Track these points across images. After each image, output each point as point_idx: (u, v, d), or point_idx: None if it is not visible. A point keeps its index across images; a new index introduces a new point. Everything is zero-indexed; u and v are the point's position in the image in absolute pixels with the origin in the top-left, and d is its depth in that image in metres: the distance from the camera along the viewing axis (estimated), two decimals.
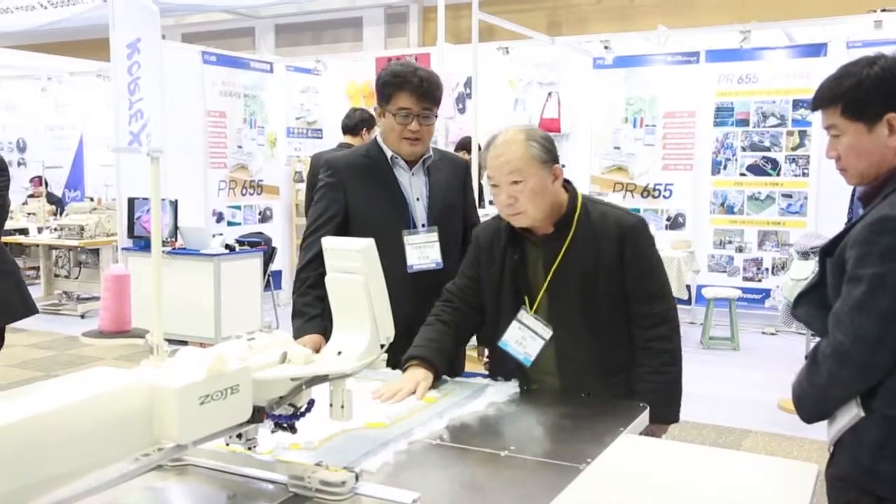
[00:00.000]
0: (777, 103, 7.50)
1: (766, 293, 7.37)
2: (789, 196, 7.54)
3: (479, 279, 2.40)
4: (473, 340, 2.73)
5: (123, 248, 7.17)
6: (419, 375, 2.19)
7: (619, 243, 2.22)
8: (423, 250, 2.69)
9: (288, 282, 8.97)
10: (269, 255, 7.51)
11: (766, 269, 7.67)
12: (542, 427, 2.12)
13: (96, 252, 8.70)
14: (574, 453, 1.75)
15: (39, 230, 9.12)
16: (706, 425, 4.81)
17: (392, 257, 2.51)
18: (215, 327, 6.61)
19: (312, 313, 2.55)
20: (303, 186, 7.96)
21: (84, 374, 1.28)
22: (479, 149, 6.87)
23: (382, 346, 1.67)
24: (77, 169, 11.57)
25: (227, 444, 1.51)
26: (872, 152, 1.79)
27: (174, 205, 6.85)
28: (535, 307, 2.28)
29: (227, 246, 6.88)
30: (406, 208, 2.71)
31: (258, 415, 1.44)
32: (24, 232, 8.99)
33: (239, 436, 1.47)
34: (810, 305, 1.89)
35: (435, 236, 2.70)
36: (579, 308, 2.24)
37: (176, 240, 6.89)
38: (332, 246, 1.72)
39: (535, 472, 1.68)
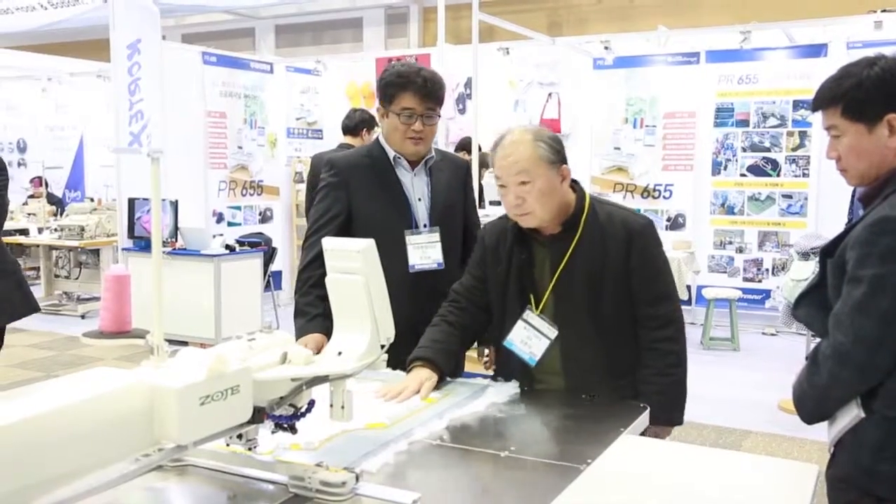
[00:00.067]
0: (777, 104, 7.50)
1: (767, 294, 7.37)
2: (789, 197, 7.54)
3: (485, 279, 2.40)
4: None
5: (124, 249, 7.17)
6: (423, 375, 2.19)
7: (627, 245, 2.22)
8: (424, 250, 2.69)
9: (288, 282, 8.97)
10: (270, 256, 7.51)
11: (767, 270, 7.67)
12: (543, 428, 2.12)
13: (96, 252, 8.71)
14: (574, 454, 1.75)
15: (40, 231, 9.13)
16: (706, 426, 4.81)
17: (394, 257, 2.51)
18: (215, 328, 6.61)
19: (314, 313, 2.55)
20: (303, 187, 7.96)
21: (84, 375, 1.28)
22: (480, 149, 6.89)
23: (383, 346, 1.67)
24: (77, 169, 11.57)
25: (228, 445, 1.51)
26: (873, 153, 1.79)
27: (174, 205, 6.85)
28: (540, 307, 2.28)
29: (227, 246, 6.88)
30: (408, 208, 2.71)
31: (258, 415, 1.44)
32: (24, 232, 9.00)
33: (239, 436, 1.47)
34: (811, 306, 1.89)
35: (437, 236, 2.71)
36: (585, 308, 2.23)
37: (176, 240, 6.89)
38: (333, 246, 1.72)
39: (535, 473, 1.68)
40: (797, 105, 7.39)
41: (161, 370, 1.31)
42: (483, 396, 2.15)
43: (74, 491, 1.17)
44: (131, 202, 7.05)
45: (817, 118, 1.94)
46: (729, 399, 5.37)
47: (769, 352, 6.94)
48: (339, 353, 1.64)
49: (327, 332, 2.48)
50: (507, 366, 2.36)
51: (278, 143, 9.20)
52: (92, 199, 10.12)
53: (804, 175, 7.45)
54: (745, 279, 7.73)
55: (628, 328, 2.26)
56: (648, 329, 2.25)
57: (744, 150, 7.67)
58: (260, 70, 8.94)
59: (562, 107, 8.55)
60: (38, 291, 6.19)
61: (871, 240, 1.69)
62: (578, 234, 2.23)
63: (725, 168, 7.76)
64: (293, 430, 1.58)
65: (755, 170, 7.63)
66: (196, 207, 7.94)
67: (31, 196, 10.36)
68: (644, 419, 2.08)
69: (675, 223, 7.89)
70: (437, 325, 2.38)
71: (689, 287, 7.17)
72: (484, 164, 7.51)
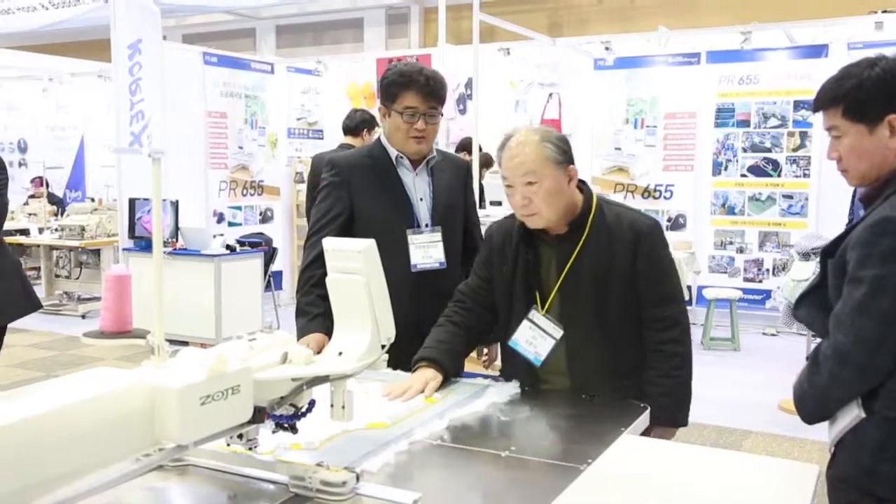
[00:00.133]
0: (778, 104, 7.50)
1: (767, 294, 7.37)
2: (790, 197, 7.54)
3: (491, 279, 2.40)
4: None
5: (124, 249, 7.17)
6: (428, 375, 2.19)
7: (634, 246, 2.22)
8: (426, 250, 2.69)
9: (288, 282, 8.98)
10: (270, 256, 7.51)
11: (767, 270, 7.67)
12: (543, 427, 2.12)
13: (97, 252, 8.71)
14: (575, 454, 1.75)
15: (40, 231, 9.13)
16: (707, 426, 4.81)
17: (395, 257, 2.52)
18: (216, 328, 6.61)
19: (315, 312, 2.56)
20: (303, 187, 7.96)
21: (85, 375, 1.28)
22: (480, 149, 6.89)
23: (383, 346, 1.67)
24: (78, 169, 11.57)
25: (228, 445, 1.51)
26: (873, 153, 1.79)
27: (175, 205, 6.85)
28: (546, 307, 2.28)
29: (227, 246, 6.88)
30: (410, 208, 2.72)
31: (259, 415, 1.44)
32: (24, 232, 9.00)
33: (240, 436, 1.47)
34: (811, 306, 1.89)
35: (438, 236, 2.71)
36: (591, 309, 2.23)
37: (177, 240, 6.89)
38: (333, 247, 1.72)
39: (535, 473, 1.68)
40: (798, 105, 7.39)
41: (162, 370, 1.32)
42: (483, 396, 2.15)
43: (75, 491, 1.17)
44: (132, 202, 7.06)
45: (818, 119, 1.94)
46: (729, 399, 5.37)
47: (769, 352, 6.94)
48: (340, 353, 1.64)
49: (328, 331, 2.48)
50: (512, 365, 2.36)
51: (279, 144, 9.20)
52: (93, 200, 10.12)
53: (805, 175, 7.45)
54: (746, 279, 7.73)
55: (634, 329, 2.26)
56: (654, 330, 2.24)
57: (744, 150, 7.67)
58: (261, 70, 8.94)
59: (562, 107, 8.56)
60: (38, 291, 6.20)
61: (872, 240, 1.69)
62: (585, 235, 2.23)
63: (726, 168, 7.76)
64: (294, 429, 1.58)
65: (756, 170, 7.63)
66: (197, 207, 7.95)
67: (32, 196, 10.36)
68: (644, 419, 2.08)
69: (676, 223, 7.89)
70: (442, 326, 2.38)
71: (689, 287, 7.17)
72: (484, 165, 7.52)
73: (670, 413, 2.21)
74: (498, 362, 2.92)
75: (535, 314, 2.28)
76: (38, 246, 8.99)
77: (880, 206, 1.74)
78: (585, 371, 2.25)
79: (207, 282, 6.61)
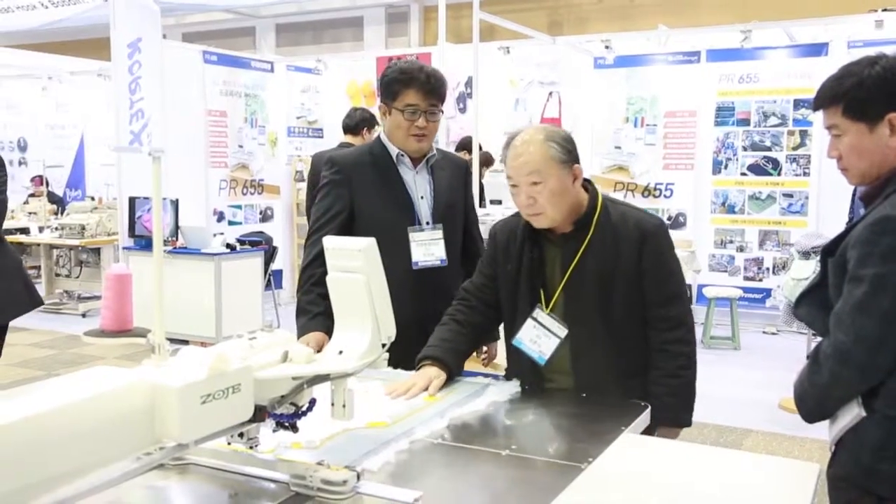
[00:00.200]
0: (778, 103, 7.49)
1: (767, 293, 7.37)
2: (790, 196, 7.54)
3: (495, 277, 2.40)
4: None
5: (124, 248, 7.17)
6: (432, 373, 2.20)
7: (639, 245, 2.21)
8: (428, 247, 2.70)
9: (288, 281, 8.98)
10: (270, 255, 7.51)
11: (767, 269, 7.66)
12: (544, 426, 2.12)
13: (97, 251, 8.71)
14: (575, 452, 1.75)
15: (40, 229, 9.13)
16: (707, 425, 4.81)
17: (396, 255, 2.52)
18: (216, 327, 6.61)
19: (316, 311, 2.56)
20: (303, 186, 7.96)
21: (85, 373, 1.28)
22: (480, 148, 6.89)
23: (384, 345, 1.67)
24: (78, 168, 11.57)
25: (229, 443, 1.51)
26: (874, 152, 1.79)
27: (175, 204, 6.85)
28: (551, 306, 2.28)
29: (227, 245, 6.88)
30: (411, 206, 2.72)
31: (260, 414, 1.44)
32: (25, 231, 9.00)
33: (240, 435, 1.47)
34: (812, 305, 1.89)
35: (440, 234, 2.71)
36: (596, 308, 2.23)
37: (177, 239, 6.89)
38: (334, 245, 1.72)
39: (536, 472, 1.68)
40: (798, 104, 7.38)
41: (162, 369, 1.31)
42: (484, 395, 2.15)
43: (76, 490, 1.17)
44: (132, 201, 7.06)
45: (818, 117, 1.94)
46: (730, 398, 5.38)
47: (770, 351, 6.94)
48: (341, 352, 1.64)
49: (329, 330, 2.48)
50: (517, 364, 2.36)
51: (279, 142, 9.20)
52: (93, 198, 10.13)
53: (805, 174, 7.45)
54: (746, 278, 7.73)
55: (639, 328, 2.25)
56: (659, 330, 2.24)
57: (744, 149, 7.67)
58: (260, 69, 8.94)
59: (562, 106, 8.56)
60: (38, 290, 6.20)
61: (872, 239, 1.69)
62: (590, 234, 2.23)
63: (726, 167, 7.76)
64: (294, 428, 1.58)
65: (756, 169, 7.63)
66: (197, 206, 7.94)
67: (32, 195, 10.37)
68: (645, 418, 2.08)
69: (676, 222, 7.89)
70: (446, 324, 2.38)
71: (689, 286, 7.17)
72: (484, 163, 7.52)
73: (675, 413, 2.21)
74: (498, 360, 2.92)
75: (540, 313, 2.28)
76: (39, 245, 8.99)
77: (880, 205, 1.74)
78: (590, 370, 2.24)
79: (207, 281, 6.61)
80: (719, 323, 7.16)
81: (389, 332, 1.68)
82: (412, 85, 2.63)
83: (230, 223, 8.52)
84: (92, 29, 9.38)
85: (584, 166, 2.29)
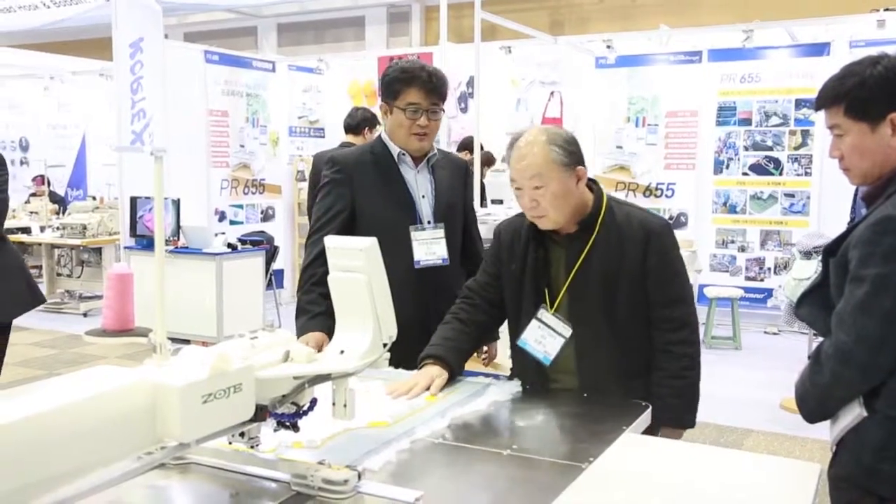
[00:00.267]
0: (780, 103, 7.49)
1: (769, 293, 7.36)
2: (792, 195, 7.53)
3: (499, 275, 2.40)
4: None
5: (126, 247, 7.18)
6: (434, 373, 2.20)
7: (644, 245, 2.21)
8: (429, 246, 2.70)
9: (290, 281, 8.98)
10: (272, 254, 7.51)
11: (769, 269, 7.66)
12: (544, 426, 2.12)
13: (98, 251, 8.71)
14: (576, 452, 1.75)
15: (42, 229, 9.14)
16: (708, 424, 4.81)
17: (398, 254, 2.52)
18: (217, 326, 6.62)
19: (316, 311, 2.55)
20: (305, 185, 7.96)
21: (87, 373, 1.28)
22: (482, 148, 6.89)
23: (385, 345, 1.67)
24: (79, 168, 11.58)
25: (230, 443, 1.51)
26: (875, 152, 1.78)
27: (176, 204, 6.86)
28: (555, 306, 2.27)
29: (229, 245, 6.88)
30: (412, 205, 2.72)
31: (261, 413, 1.44)
32: (26, 231, 9.01)
33: (242, 434, 1.47)
34: (813, 305, 1.88)
35: (441, 233, 2.71)
36: (600, 308, 2.22)
37: (178, 239, 6.89)
38: (335, 245, 1.72)
39: (537, 471, 1.68)
40: (799, 104, 7.38)
41: (164, 368, 1.32)
42: (485, 395, 2.15)
43: (77, 489, 1.17)
44: (133, 200, 7.06)
45: (820, 117, 1.94)
46: (731, 398, 5.37)
47: (771, 351, 6.94)
48: (342, 352, 1.65)
49: (329, 330, 2.48)
50: (521, 365, 2.35)
51: (280, 142, 9.20)
52: (94, 198, 10.13)
53: (806, 174, 7.44)
54: (747, 278, 7.72)
55: (643, 329, 2.25)
56: (663, 331, 2.23)
57: (746, 148, 7.66)
58: (262, 69, 8.94)
59: (564, 106, 8.55)
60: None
61: (874, 239, 1.69)
62: (595, 234, 2.22)
63: (727, 167, 7.75)
64: (295, 428, 1.58)
65: (757, 168, 7.63)
66: (198, 206, 7.95)
67: (34, 194, 10.37)
68: (646, 418, 2.07)
69: (677, 222, 7.88)
70: (448, 323, 2.38)
71: (690, 286, 7.16)
72: (486, 163, 7.52)
73: (678, 414, 2.20)
74: (499, 360, 2.92)
75: (544, 313, 2.27)
76: (40, 244, 9.00)
77: (882, 205, 1.74)
78: (594, 371, 2.24)
79: (209, 280, 6.61)
80: (720, 323, 7.16)
81: (391, 331, 1.68)
82: (414, 84, 2.64)
83: (231, 223, 8.52)
84: (94, 29, 9.39)
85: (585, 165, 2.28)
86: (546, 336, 2.26)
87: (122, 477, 1.24)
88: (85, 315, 8.48)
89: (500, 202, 7.25)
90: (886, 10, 7.06)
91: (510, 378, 2.36)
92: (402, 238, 2.66)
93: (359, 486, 1.50)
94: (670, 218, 7.88)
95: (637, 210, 2.31)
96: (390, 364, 2.38)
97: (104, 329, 1.95)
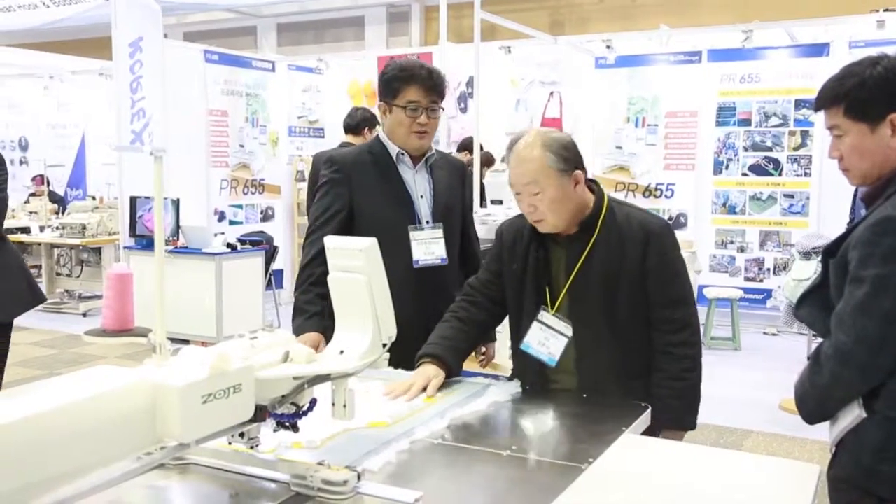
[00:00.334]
0: (779, 103, 7.49)
1: (768, 293, 7.37)
2: (791, 196, 7.54)
3: (501, 273, 2.40)
4: None
5: (125, 247, 7.18)
6: (431, 372, 2.19)
7: (644, 246, 2.20)
8: (428, 246, 2.70)
9: (289, 281, 8.97)
10: (271, 255, 7.51)
11: (768, 270, 7.66)
12: (544, 427, 2.12)
13: (98, 251, 8.71)
14: (576, 453, 1.75)
15: (41, 229, 9.14)
16: (707, 425, 4.81)
17: (397, 253, 2.52)
18: (217, 326, 6.62)
19: (312, 311, 2.55)
20: (304, 185, 7.97)
21: (86, 373, 1.28)
22: (482, 148, 6.89)
23: (384, 345, 1.67)
24: (79, 167, 11.58)
25: (230, 443, 1.51)
26: (875, 152, 1.78)
27: (176, 203, 6.86)
28: (556, 307, 2.27)
29: (228, 245, 6.88)
30: (411, 205, 2.72)
31: (260, 414, 1.44)
32: (25, 230, 9.01)
33: (241, 435, 1.47)
34: (813, 306, 1.88)
35: (440, 233, 2.71)
36: (600, 309, 2.22)
37: (178, 239, 6.89)
38: (335, 245, 1.72)
39: (536, 472, 1.68)
40: (799, 104, 7.38)
41: (163, 368, 1.31)
42: (485, 395, 2.15)
43: (77, 489, 1.17)
44: (133, 200, 7.06)
45: (819, 118, 1.94)
46: (730, 399, 5.37)
47: (770, 352, 6.94)
48: (341, 352, 1.65)
49: (325, 330, 2.49)
50: (522, 366, 2.35)
51: (280, 142, 9.20)
52: (94, 198, 10.14)
53: (806, 175, 7.45)
54: (747, 279, 7.72)
55: (643, 330, 2.24)
56: (663, 332, 2.23)
57: (745, 149, 7.66)
58: (262, 68, 8.94)
59: (563, 106, 8.55)
60: None
61: (874, 240, 1.69)
62: (595, 235, 2.22)
63: (727, 167, 7.75)
64: (295, 428, 1.58)
65: (757, 169, 7.63)
66: (197, 206, 7.95)
67: (33, 194, 10.37)
68: (645, 418, 2.07)
69: (677, 223, 7.88)
70: (447, 322, 2.38)
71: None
72: (485, 163, 7.52)
73: (679, 416, 2.20)
74: (498, 361, 2.92)
75: (545, 314, 2.27)
76: (40, 244, 9.00)
77: (882, 206, 1.74)
78: (594, 371, 2.24)
79: (208, 280, 6.61)
80: (720, 324, 7.16)
81: (390, 332, 1.68)
82: (413, 81, 2.64)
83: (231, 223, 8.52)
84: (93, 28, 9.38)
85: (585, 167, 2.28)
86: (549, 337, 2.26)
87: (122, 477, 1.24)
88: (84, 315, 8.48)
89: (500, 202, 7.25)
90: (886, 10, 7.06)
91: (510, 379, 2.36)
92: (400, 238, 2.65)
93: (358, 486, 1.50)
94: (670, 218, 7.88)
95: (637, 211, 2.31)
96: (389, 364, 2.38)
97: (104, 329, 1.95)
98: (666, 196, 7.96)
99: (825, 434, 1.88)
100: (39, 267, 9.10)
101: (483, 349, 2.84)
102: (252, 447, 1.52)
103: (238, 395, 1.34)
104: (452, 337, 2.33)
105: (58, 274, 9.09)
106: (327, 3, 11.85)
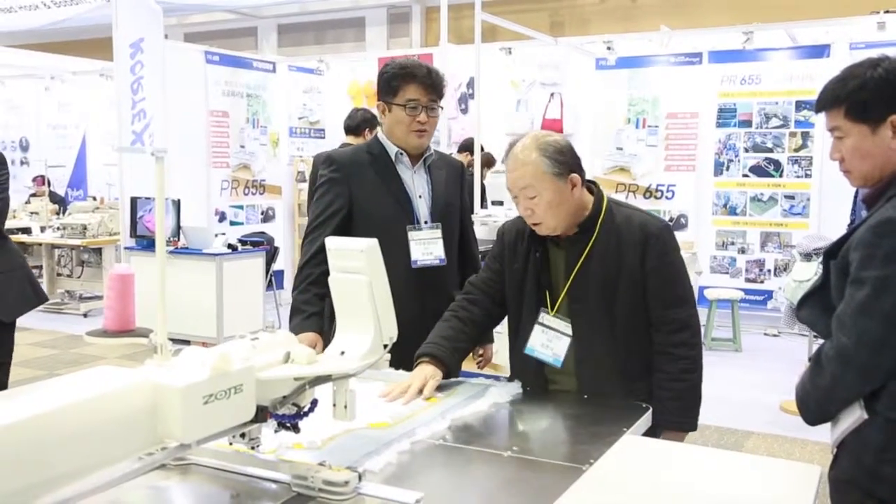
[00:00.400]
0: (780, 104, 7.49)
1: (769, 294, 7.36)
2: (792, 197, 7.54)
3: (502, 272, 2.40)
4: None
5: (126, 248, 7.18)
6: (428, 372, 2.19)
7: (643, 247, 2.20)
8: (426, 246, 2.70)
9: (290, 282, 8.96)
10: (272, 255, 7.51)
11: (769, 271, 7.66)
12: (545, 428, 2.12)
13: (99, 251, 8.71)
14: (577, 454, 1.75)
15: (42, 229, 9.14)
16: (708, 426, 4.81)
17: (395, 253, 2.51)
18: (217, 327, 6.62)
19: (310, 311, 2.55)
20: (305, 186, 7.97)
21: (87, 373, 1.28)
22: (482, 149, 6.88)
23: (385, 346, 1.67)
24: (80, 168, 11.58)
25: (231, 444, 1.51)
26: (876, 154, 1.78)
27: (177, 204, 6.86)
28: (555, 308, 2.27)
29: (229, 245, 6.88)
30: (410, 205, 2.72)
31: (262, 414, 1.44)
32: (26, 231, 9.00)
33: (242, 435, 1.47)
34: (814, 307, 1.88)
35: (438, 233, 2.71)
36: (600, 310, 2.22)
37: (178, 239, 6.89)
38: (336, 246, 1.72)
39: (537, 473, 1.68)
40: (800, 106, 7.38)
41: (164, 369, 1.32)
42: (485, 396, 2.15)
43: (78, 490, 1.17)
44: (134, 201, 7.06)
45: (820, 119, 1.94)
46: (731, 400, 5.37)
47: (771, 353, 6.94)
48: (342, 353, 1.65)
49: (322, 330, 2.49)
50: (521, 366, 2.35)
51: (280, 143, 9.21)
52: (94, 198, 10.13)
53: (807, 176, 7.45)
54: (748, 280, 7.72)
55: (643, 331, 2.24)
56: (663, 333, 2.22)
57: (746, 150, 7.66)
58: (262, 69, 8.95)
59: (564, 107, 8.55)
60: None
61: (875, 241, 1.69)
62: (594, 237, 2.22)
63: (728, 168, 7.75)
64: (296, 429, 1.58)
65: (757, 170, 7.63)
66: (198, 206, 7.95)
67: (34, 195, 10.37)
68: (646, 419, 2.07)
69: (677, 224, 7.88)
70: (447, 321, 2.38)
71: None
72: (486, 164, 7.52)
73: (679, 417, 2.20)
74: (497, 361, 2.92)
75: (545, 316, 2.27)
76: (40, 244, 8.99)
77: (883, 207, 1.74)
78: (594, 373, 2.23)
79: (209, 281, 6.61)
80: (720, 325, 7.15)
81: (391, 332, 1.68)
82: (413, 80, 2.64)
83: (232, 223, 8.52)
84: (94, 29, 9.39)
85: (585, 168, 2.28)
86: (552, 339, 2.26)
87: (123, 478, 1.24)
88: (85, 315, 8.48)
89: (501, 203, 7.25)
90: (886, 12, 7.06)
91: (510, 380, 2.36)
92: (399, 237, 2.66)
93: (359, 487, 1.50)
94: (670, 219, 7.88)
95: (637, 212, 2.31)
96: (390, 365, 2.37)
97: (105, 329, 1.96)
98: (666, 197, 7.96)
99: (826, 435, 1.88)
100: (40, 267, 9.10)
101: (481, 351, 2.84)
102: (253, 448, 1.53)
103: (239, 395, 1.34)
104: (451, 336, 2.33)
105: (58, 274, 9.09)
106: (328, 4, 11.86)
